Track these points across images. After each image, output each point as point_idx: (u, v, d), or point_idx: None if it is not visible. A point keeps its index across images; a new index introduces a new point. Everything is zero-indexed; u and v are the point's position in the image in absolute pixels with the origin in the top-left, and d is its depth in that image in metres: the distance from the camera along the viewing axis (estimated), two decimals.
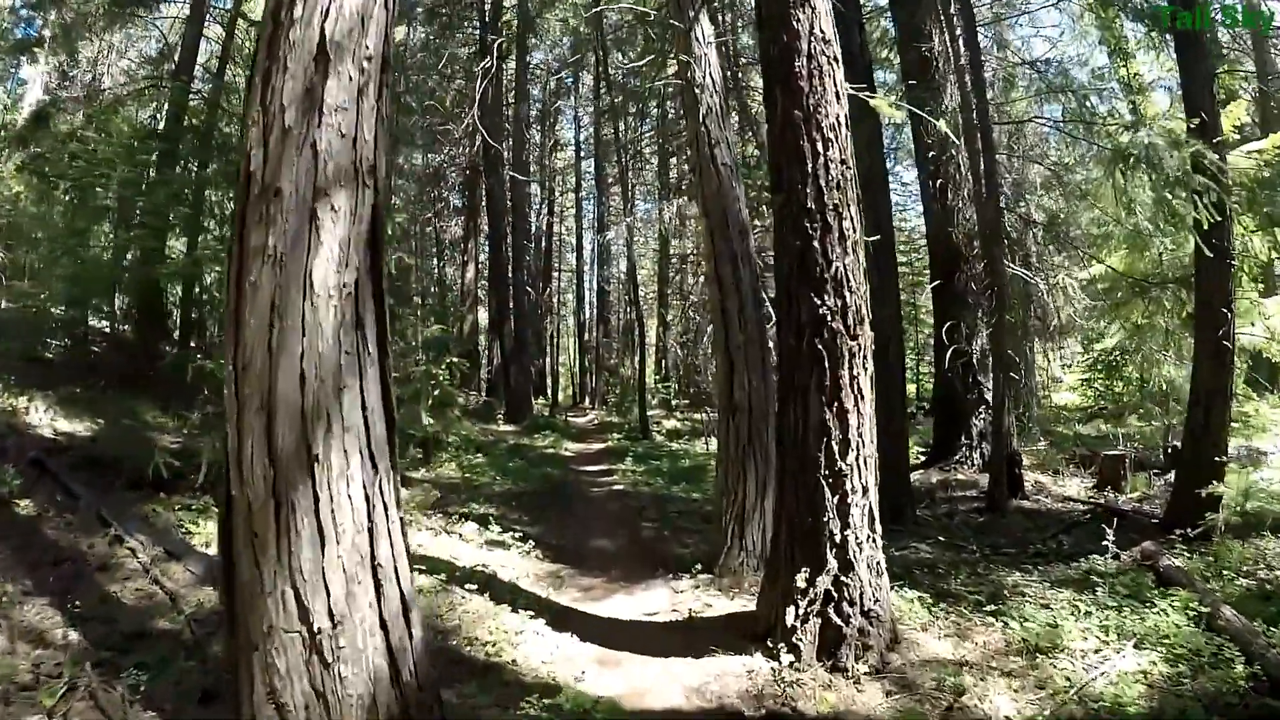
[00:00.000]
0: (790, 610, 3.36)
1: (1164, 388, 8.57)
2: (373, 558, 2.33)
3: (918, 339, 17.06)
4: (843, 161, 3.46)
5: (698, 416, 14.05)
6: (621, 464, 9.90)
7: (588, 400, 22.33)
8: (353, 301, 2.37)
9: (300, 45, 2.28)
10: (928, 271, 12.82)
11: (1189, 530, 5.02)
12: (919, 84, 7.99)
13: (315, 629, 2.20)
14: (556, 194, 24.68)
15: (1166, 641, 3.46)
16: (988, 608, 3.99)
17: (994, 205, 6.87)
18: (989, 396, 8.00)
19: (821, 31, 3.46)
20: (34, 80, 13.03)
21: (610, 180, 20.72)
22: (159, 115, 10.81)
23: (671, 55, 6.43)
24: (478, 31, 15.74)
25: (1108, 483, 7.39)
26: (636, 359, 15.80)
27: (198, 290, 8.93)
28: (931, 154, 8.48)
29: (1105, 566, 4.50)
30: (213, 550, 4.30)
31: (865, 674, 3.25)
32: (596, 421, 16.70)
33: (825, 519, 3.37)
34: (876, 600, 3.41)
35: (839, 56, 3.54)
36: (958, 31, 7.61)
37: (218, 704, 2.80)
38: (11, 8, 10.92)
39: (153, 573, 4.01)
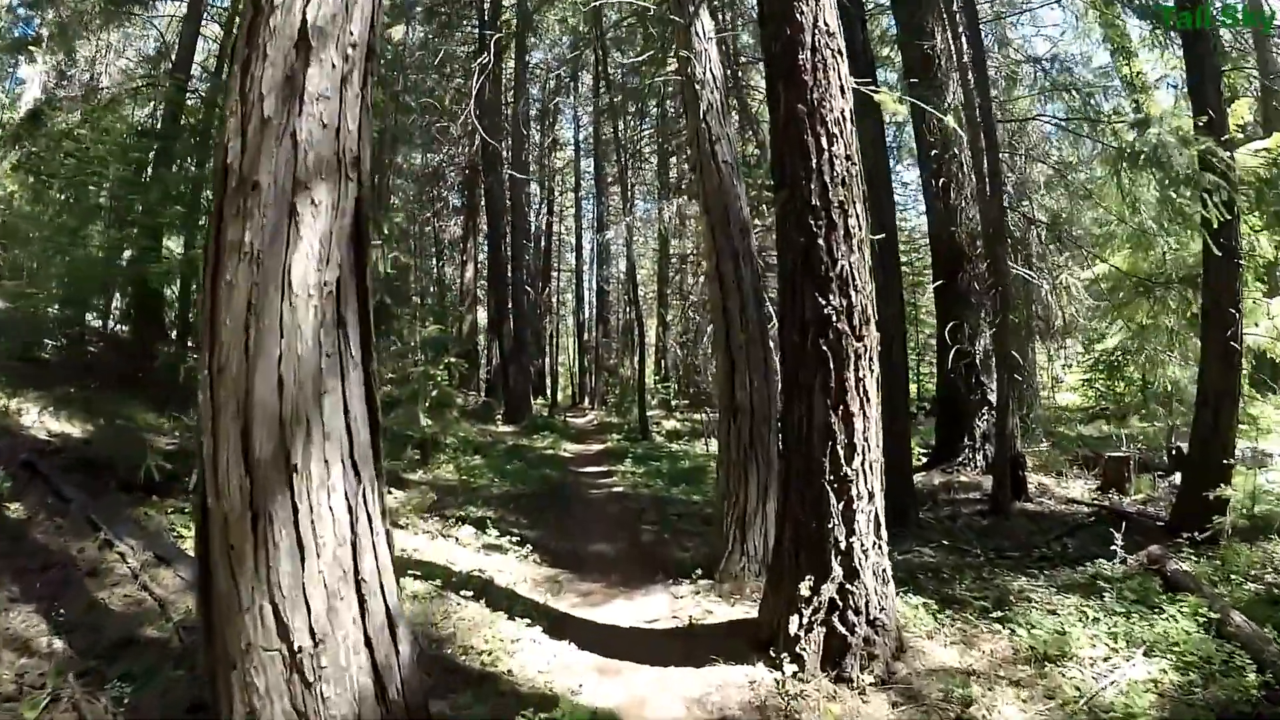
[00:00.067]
0: (794, 619, 3.28)
1: (1168, 388, 8.50)
2: (356, 572, 2.24)
3: (918, 339, 17.00)
4: (848, 157, 3.38)
5: (697, 417, 13.98)
6: (621, 465, 9.83)
7: (587, 400, 22.25)
8: (334, 301, 2.27)
9: (281, 31, 2.18)
10: (928, 272, 12.81)
11: (1196, 534, 4.95)
12: (921, 82, 7.94)
13: (296, 647, 2.11)
14: (556, 193, 24.62)
15: (1176, 649, 3.41)
16: (994, 614, 3.92)
17: (998, 204, 6.79)
18: (992, 397, 7.93)
19: (825, 24, 3.38)
20: (32, 80, 13.02)
21: (610, 179, 20.66)
22: (157, 114, 10.74)
23: (671, 52, 6.35)
24: (476, 30, 15.67)
25: (1111, 485, 7.32)
26: (636, 359, 15.72)
27: (195, 290, 8.85)
28: (934, 152, 8.42)
29: (1112, 571, 4.44)
30: None
31: (871, 685, 3.18)
32: (596, 422, 16.63)
33: (830, 525, 3.29)
34: (882, 608, 3.33)
35: (843, 50, 3.46)
36: (960, 28, 7.54)
37: (205, 715, 2.72)
38: (9, 6, 10.85)
39: (142, 578, 3.93)
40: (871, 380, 3.37)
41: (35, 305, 7.77)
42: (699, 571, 4.80)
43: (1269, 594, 4.08)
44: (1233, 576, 4.37)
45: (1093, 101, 8.21)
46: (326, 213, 2.25)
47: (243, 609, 2.11)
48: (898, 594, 3.79)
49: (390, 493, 6.84)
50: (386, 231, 8.83)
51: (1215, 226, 5.02)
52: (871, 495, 3.36)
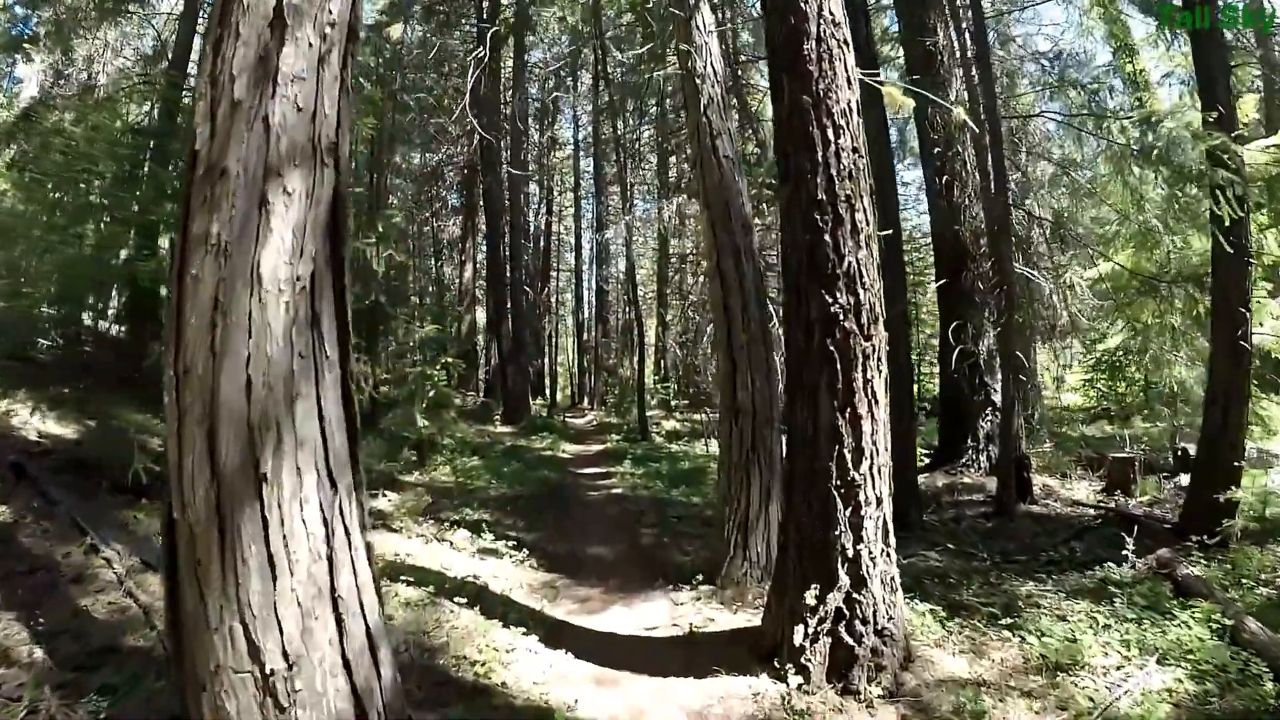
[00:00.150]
0: (799, 629, 3.17)
1: (1173, 388, 8.40)
2: (333, 590, 2.10)
3: (919, 339, 16.92)
4: (855, 150, 3.27)
5: (697, 418, 13.89)
6: (620, 466, 9.72)
7: (586, 401, 22.13)
8: (307, 296, 2.12)
9: (254, 8, 2.04)
10: (930, 270, 12.70)
11: (1205, 537, 4.86)
12: (923, 79, 7.84)
13: (268, 669, 1.97)
14: (555, 193, 24.50)
15: (1191, 657, 3.33)
16: (1003, 621, 3.83)
17: (1003, 201, 6.69)
18: (996, 398, 7.84)
19: (831, 14, 3.27)
20: (29, 79, 12.95)
21: (609, 179, 20.55)
22: (154, 113, 10.66)
23: (671, 47, 6.25)
24: (475, 29, 15.57)
25: (1116, 486, 7.23)
26: (635, 359, 15.62)
27: None
28: (937, 150, 8.34)
29: (1121, 575, 4.35)
30: None
31: (878, 697, 3.07)
32: (595, 422, 16.52)
33: (837, 532, 3.18)
34: (890, 618, 3.22)
35: (849, 40, 3.35)
36: (964, 24, 7.46)
37: None
38: (5, 5, 10.77)
39: (127, 584, 3.83)
40: (880, 381, 3.25)
41: (30, 304, 7.67)
42: (699, 576, 4.71)
43: None
44: (1244, 581, 4.29)
45: (1096, 98, 8.13)
46: (300, 202, 2.11)
47: (211, 628, 1.97)
48: (906, 601, 3.69)
49: (385, 495, 6.74)
50: (383, 230, 8.74)
51: (1227, 223, 4.92)
52: (879, 501, 3.25)
